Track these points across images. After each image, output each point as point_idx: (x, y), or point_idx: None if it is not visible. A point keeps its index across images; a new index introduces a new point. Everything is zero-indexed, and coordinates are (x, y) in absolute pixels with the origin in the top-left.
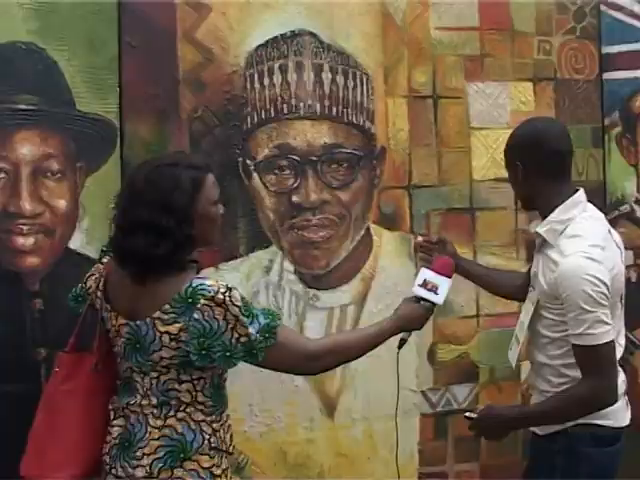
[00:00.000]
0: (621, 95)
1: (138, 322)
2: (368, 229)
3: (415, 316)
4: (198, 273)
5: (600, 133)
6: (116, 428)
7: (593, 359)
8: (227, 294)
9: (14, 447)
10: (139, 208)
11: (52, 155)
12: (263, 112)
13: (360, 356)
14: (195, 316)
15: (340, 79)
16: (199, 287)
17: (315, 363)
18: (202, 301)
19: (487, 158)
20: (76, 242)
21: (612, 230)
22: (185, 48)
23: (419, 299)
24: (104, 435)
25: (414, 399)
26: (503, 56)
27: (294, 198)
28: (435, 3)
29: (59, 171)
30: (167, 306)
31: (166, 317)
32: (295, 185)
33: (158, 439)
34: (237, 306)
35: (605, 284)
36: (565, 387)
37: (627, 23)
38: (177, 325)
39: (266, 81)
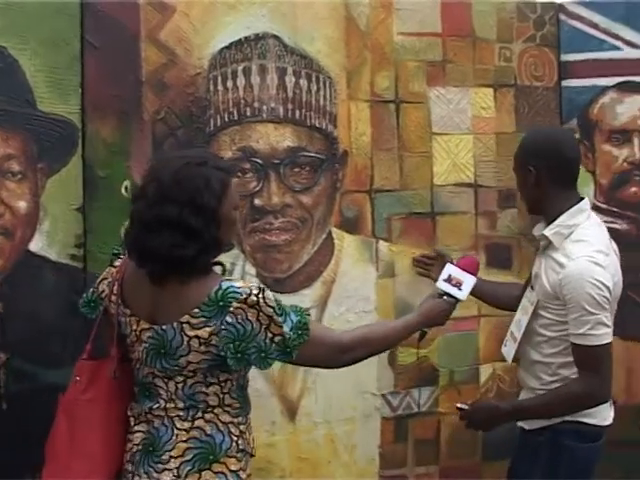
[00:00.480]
0: (579, 103)
1: (164, 327)
2: (330, 233)
3: (439, 310)
4: (224, 274)
5: None
6: (138, 434)
7: (592, 359)
8: (260, 295)
9: None
10: (167, 205)
11: (12, 156)
12: (226, 115)
13: (387, 349)
14: (228, 319)
15: (303, 83)
16: (230, 289)
17: (347, 355)
18: (235, 304)
19: (448, 163)
20: (36, 244)
21: (612, 241)
22: (148, 49)
23: (442, 294)
24: (123, 443)
25: (375, 403)
26: (465, 62)
27: (256, 201)
28: (398, 9)
29: (19, 172)
30: (196, 310)
31: (195, 321)
32: (258, 188)
33: (186, 441)
34: (271, 307)
35: (608, 288)
36: (556, 385)
37: (586, 32)
38: (208, 329)
39: (229, 84)
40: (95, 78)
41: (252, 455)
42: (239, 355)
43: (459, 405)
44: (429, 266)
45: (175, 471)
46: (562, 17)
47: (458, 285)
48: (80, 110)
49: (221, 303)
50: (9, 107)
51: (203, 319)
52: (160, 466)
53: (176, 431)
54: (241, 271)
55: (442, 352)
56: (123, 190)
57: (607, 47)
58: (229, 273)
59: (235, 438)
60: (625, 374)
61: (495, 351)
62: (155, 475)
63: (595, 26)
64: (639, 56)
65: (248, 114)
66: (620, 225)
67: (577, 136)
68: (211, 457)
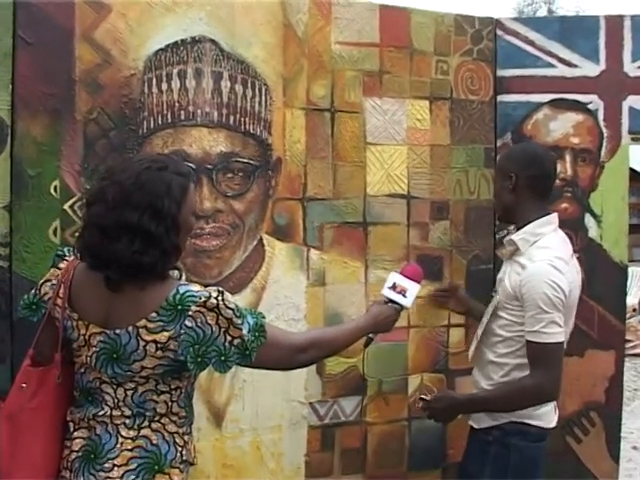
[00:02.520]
0: (514, 118)
1: (117, 331)
2: (261, 239)
3: (386, 316)
4: (181, 279)
5: (492, 154)
6: (78, 440)
7: (543, 355)
8: (220, 298)
9: None
10: (127, 210)
11: None
12: (160, 117)
13: (338, 352)
14: (187, 323)
15: (239, 88)
16: (187, 293)
17: (302, 356)
18: (193, 307)
19: (382, 174)
20: None
21: (574, 257)
22: (83, 48)
23: (387, 302)
24: (61, 450)
25: (302, 411)
26: (401, 73)
27: None
28: (337, 17)
29: None
30: (154, 314)
31: (152, 326)
32: None
33: (132, 450)
34: (230, 309)
35: (563, 291)
36: None
37: (522, 48)
38: (166, 333)
39: (164, 86)
40: (27, 75)
41: (192, 464)
42: (199, 359)
43: (421, 396)
44: (446, 298)
45: None
46: (499, 32)
47: (403, 293)
48: (10, 107)
49: (179, 307)
50: None
51: (161, 323)
52: (102, 474)
53: (121, 439)
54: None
55: (371, 362)
56: (52, 190)
57: (542, 64)
58: None
59: (180, 448)
60: None
61: (424, 361)
62: None
63: (531, 43)
64: (573, 74)
65: (182, 118)
66: None
67: None
68: (156, 467)
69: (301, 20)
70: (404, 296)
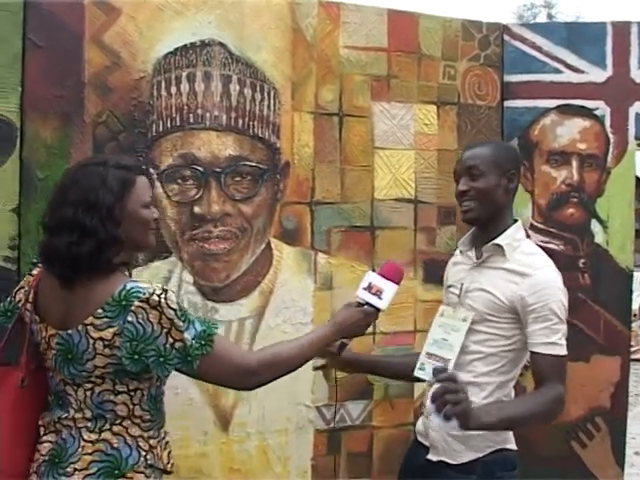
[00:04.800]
0: (520, 123)
1: (69, 331)
2: (269, 243)
3: (353, 321)
4: (130, 276)
5: None
6: (46, 444)
7: (558, 369)
8: (162, 296)
9: None
10: (64, 208)
11: None
12: (169, 120)
13: (299, 367)
14: (129, 318)
15: (248, 92)
16: (133, 289)
17: (253, 378)
18: (136, 303)
19: (389, 178)
20: None
21: None
22: (92, 51)
23: (362, 304)
24: (29, 456)
25: (309, 415)
26: (409, 78)
27: (196, 209)
28: (345, 22)
29: None
30: (100, 310)
31: (99, 322)
32: (198, 196)
33: (92, 454)
34: (173, 309)
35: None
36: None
37: (529, 54)
38: (111, 330)
39: (173, 89)
40: (36, 78)
41: (167, 472)
42: (136, 356)
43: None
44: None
45: None
46: (506, 38)
47: (378, 294)
48: (19, 109)
49: (124, 302)
50: None
51: (106, 319)
52: (64, 479)
53: (82, 442)
54: (178, 279)
55: None
56: None
57: (549, 70)
58: (166, 280)
59: (144, 453)
60: None
61: None
62: None
63: (538, 49)
64: (580, 80)
65: (191, 121)
66: (557, 245)
67: None
68: (116, 472)
69: (310, 24)
70: (379, 298)
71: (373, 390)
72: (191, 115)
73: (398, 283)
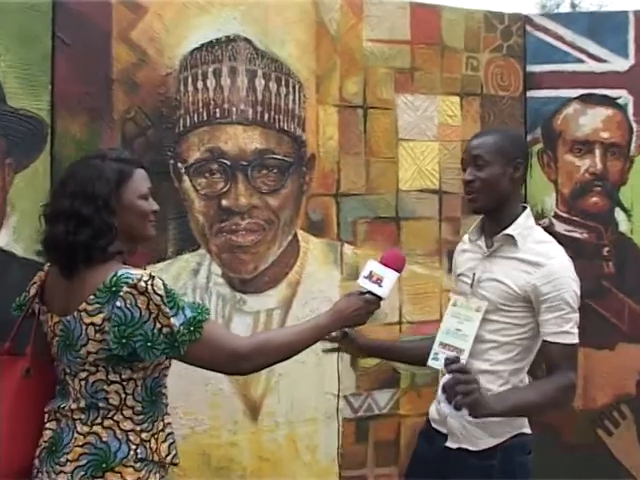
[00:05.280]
0: (543, 113)
1: (68, 317)
2: (295, 235)
3: (353, 309)
4: (125, 264)
5: None
6: (47, 432)
7: (570, 357)
8: (149, 282)
9: None
10: (62, 199)
11: None
12: (196, 115)
13: (295, 355)
14: (117, 304)
15: (273, 86)
16: (123, 276)
17: (243, 364)
18: (125, 288)
19: (414, 169)
20: (3, 239)
21: None
22: (120, 48)
23: (364, 292)
24: (34, 444)
25: (337, 404)
26: (432, 70)
27: (224, 202)
28: (368, 15)
29: None
30: (92, 296)
31: (91, 308)
32: (225, 189)
33: (82, 446)
34: (159, 295)
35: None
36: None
37: (551, 44)
38: (101, 315)
39: (200, 85)
40: (66, 75)
41: (168, 463)
42: (123, 340)
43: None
44: (342, 345)
45: (70, 475)
46: (528, 29)
47: (379, 282)
48: (50, 107)
49: (114, 288)
50: None
51: (97, 305)
52: (58, 467)
53: (76, 434)
54: (207, 271)
55: None
56: None
57: (571, 59)
58: (195, 272)
59: (134, 447)
60: (583, 380)
61: None
62: (53, 476)
63: (560, 39)
64: (602, 69)
65: (217, 115)
66: (581, 234)
67: (540, 146)
68: (104, 465)
69: (333, 18)
70: (380, 285)
71: (400, 379)
72: (217, 110)
73: (399, 271)
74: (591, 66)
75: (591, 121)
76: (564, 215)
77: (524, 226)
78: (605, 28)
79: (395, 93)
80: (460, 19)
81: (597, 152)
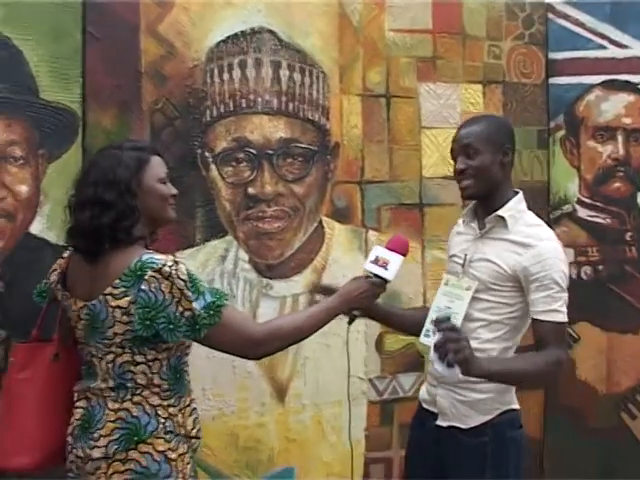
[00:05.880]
0: (566, 100)
1: (94, 302)
2: (321, 222)
3: (360, 292)
4: (148, 249)
5: (545, 135)
6: (79, 410)
7: (559, 334)
8: (173, 267)
9: None
10: (85, 188)
11: (15, 142)
12: (222, 106)
13: (308, 336)
14: (143, 287)
15: (297, 76)
16: (148, 260)
17: (259, 349)
18: (149, 273)
19: (437, 156)
20: (37, 227)
21: None
22: (148, 41)
23: (370, 276)
24: (65, 423)
25: (362, 387)
26: (455, 59)
27: (250, 190)
28: (390, 6)
29: (21, 157)
30: (117, 280)
31: (117, 292)
32: (251, 177)
33: (114, 421)
34: (182, 280)
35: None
36: None
37: (573, 31)
38: (127, 298)
39: (226, 76)
40: (96, 69)
41: (191, 437)
42: (147, 322)
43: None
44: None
45: (104, 449)
46: (550, 16)
47: (385, 265)
48: (81, 99)
49: (139, 272)
50: (12, 95)
51: (123, 289)
52: (92, 443)
53: (107, 411)
54: (234, 257)
55: None
56: None
57: (593, 46)
58: (222, 259)
59: (163, 420)
60: (606, 364)
61: None
62: (88, 451)
63: (582, 25)
64: (624, 55)
65: (243, 106)
66: (604, 219)
67: (563, 132)
68: (135, 438)
69: (356, 9)
70: (386, 269)
71: (424, 362)
72: (243, 100)
73: (404, 255)
74: (613, 52)
75: (613, 107)
76: (587, 201)
77: (515, 209)
78: (627, 14)
79: (418, 82)
80: (482, 8)
81: (619, 138)
